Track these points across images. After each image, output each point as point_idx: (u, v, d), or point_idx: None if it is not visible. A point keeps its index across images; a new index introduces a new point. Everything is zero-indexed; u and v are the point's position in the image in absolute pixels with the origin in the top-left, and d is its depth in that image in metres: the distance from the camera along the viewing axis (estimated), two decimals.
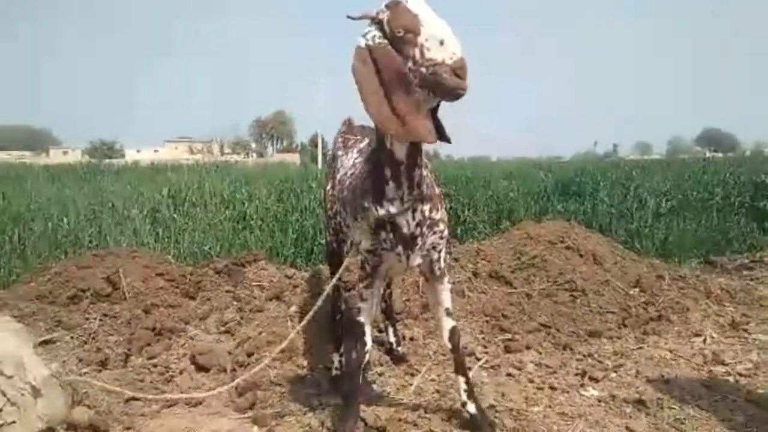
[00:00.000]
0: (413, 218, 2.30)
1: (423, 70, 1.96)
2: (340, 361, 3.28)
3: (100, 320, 3.72)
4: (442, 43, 1.93)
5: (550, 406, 2.87)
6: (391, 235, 2.33)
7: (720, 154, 32.42)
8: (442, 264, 2.54)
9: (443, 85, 1.94)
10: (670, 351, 3.61)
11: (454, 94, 1.96)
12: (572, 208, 7.92)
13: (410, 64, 1.99)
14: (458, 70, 1.91)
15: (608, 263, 4.76)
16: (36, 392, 2.20)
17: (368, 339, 2.57)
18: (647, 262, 5.17)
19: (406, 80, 2.00)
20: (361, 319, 2.55)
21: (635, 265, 4.92)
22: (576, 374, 3.27)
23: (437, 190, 2.42)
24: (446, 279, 2.58)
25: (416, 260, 2.40)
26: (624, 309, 4.18)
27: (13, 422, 2.19)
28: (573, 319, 4.02)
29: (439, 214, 2.38)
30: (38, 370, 2.26)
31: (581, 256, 4.78)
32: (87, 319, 3.73)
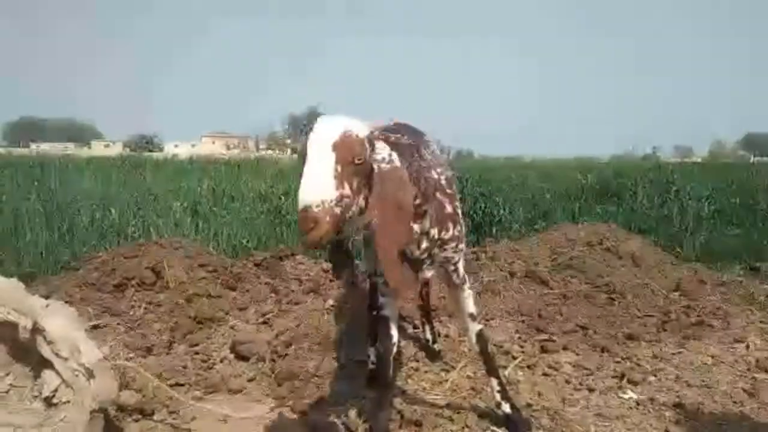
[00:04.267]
0: (418, 247, 2.27)
1: None
2: (376, 355, 3.31)
3: (145, 308, 3.85)
4: None
5: (587, 407, 2.87)
6: None
7: (766, 159, 31.30)
8: (461, 274, 2.52)
9: None
10: (712, 356, 3.54)
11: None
12: (610, 210, 7.80)
13: None
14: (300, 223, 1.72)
15: (648, 266, 4.69)
16: (90, 374, 2.28)
17: (393, 332, 2.55)
18: (688, 266, 5.07)
19: None
20: (385, 312, 2.55)
21: (676, 270, 4.84)
22: (614, 377, 3.24)
23: (449, 209, 2.34)
24: (466, 286, 2.56)
25: (428, 273, 2.41)
26: (664, 313, 4.11)
27: (68, 402, 2.29)
28: (611, 321, 3.97)
29: (450, 233, 2.33)
30: (92, 353, 2.35)
31: (620, 258, 4.73)
32: (132, 306, 3.87)
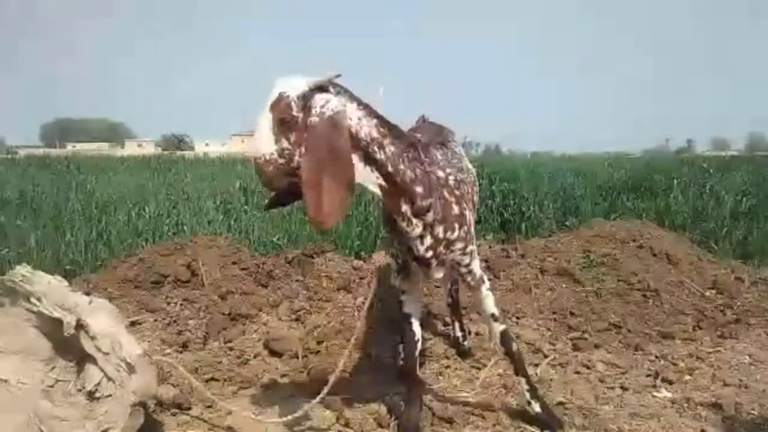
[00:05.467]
0: (421, 243, 2.30)
1: None
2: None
3: (181, 305, 3.95)
4: None
5: (620, 406, 2.84)
6: (404, 249, 2.39)
7: None
8: (476, 275, 2.51)
9: None
10: (749, 355, 3.47)
11: None
12: (643, 206, 7.66)
13: None
14: None
15: (683, 263, 4.60)
16: (130, 369, 2.36)
17: (416, 329, 2.60)
18: (725, 263, 4.96)
19: None
20: (406, 310, 2.60)
21: (712, 266, 4.74)
22: (648, 375, 3.20)
23: (456, 210, 2.34)
24: (484, 287, 2.54)
25: (438, 273, 2.43)
26: (699, 311, 4.04)
27: (110, 396, 2.37)
28: (645, 319, 3.92)
29: (456, 234, 2.33)
30: (132, 348, 2.43)
31: (654, 255, 4.66)
32: (169, 303, 3.97)
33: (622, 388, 3.04)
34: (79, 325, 2.32)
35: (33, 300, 2.34)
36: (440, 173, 2.34)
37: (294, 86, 2.01)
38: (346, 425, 2.70)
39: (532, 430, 2.60)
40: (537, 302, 4.21)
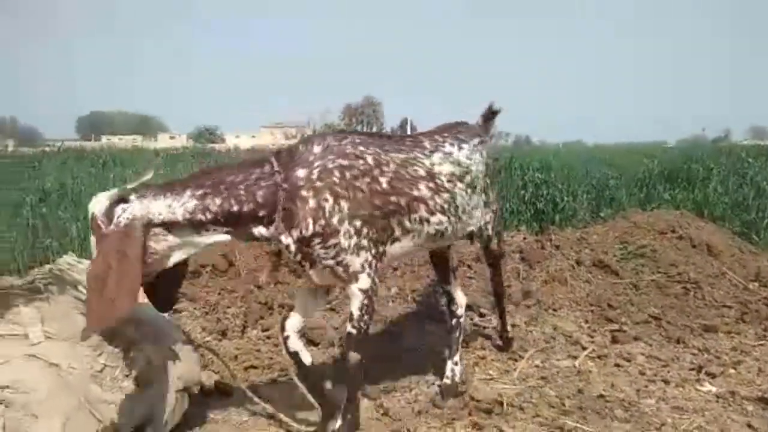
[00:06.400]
0: (288, 250, 2.28)
1: None
2: None
3: (219, 293, 4.02)
4: None
5: (663, 399, 2.80)
6: None
7: None
8: (349, 269, 2.31)
9: None
10: None
11: None
12: (680, 196, 7.48)
13: None
14: None
15: (724, 255, 4.50)
16: (175, 356, 2.41)
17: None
18: (767, 254, 4.83)
19: None
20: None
21: (754, 258, 4.63)
22: (691, 369, 3.14)
23: (313, 203, 2.21)
24: (355, 285, 2.33)
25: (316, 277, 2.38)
26: (742, 303, 3.95)
27: (155, 382, 2.43)
28: (686, 312, 3.85)
29: (311, 230, 2.21)
30: (176, 336, 2.49)
31: (694, 246, 4.56)
32: (207, 292, 4.04)
33: (663, 381, 2.99)
34: None
35: (80, 288, 2.40)
36: (301, 172, 2.24)
37: (98, 204, 2.08)
38: (385, 414, 2.71)
39: (573, 423, 2.57)
40: (573, 294, 4.16)
